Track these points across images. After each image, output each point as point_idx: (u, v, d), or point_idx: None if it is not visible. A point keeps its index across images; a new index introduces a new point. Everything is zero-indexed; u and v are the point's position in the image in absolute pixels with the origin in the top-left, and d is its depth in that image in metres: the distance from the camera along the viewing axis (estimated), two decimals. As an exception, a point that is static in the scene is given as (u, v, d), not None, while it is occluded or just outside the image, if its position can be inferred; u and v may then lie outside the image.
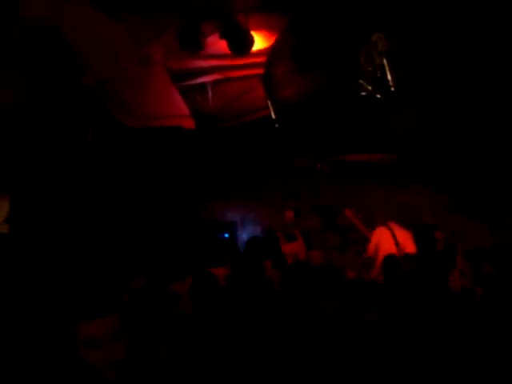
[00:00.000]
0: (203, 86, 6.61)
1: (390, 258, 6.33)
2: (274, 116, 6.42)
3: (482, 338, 3.73)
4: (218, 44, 5.50)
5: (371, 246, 7.79)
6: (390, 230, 7.79)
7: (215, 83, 6.56)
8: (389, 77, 5.01)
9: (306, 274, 3.19)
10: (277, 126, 6.53)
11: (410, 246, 7.77)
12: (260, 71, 6.24)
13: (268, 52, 5.91)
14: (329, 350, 2.77)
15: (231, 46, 5.38)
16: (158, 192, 8.71)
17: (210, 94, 6.65)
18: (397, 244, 7.61)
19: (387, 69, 4.99)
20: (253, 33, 5.36)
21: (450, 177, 9.33)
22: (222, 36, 5.33)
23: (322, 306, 2.93)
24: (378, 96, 5.20)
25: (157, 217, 8.61)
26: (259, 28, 5.49)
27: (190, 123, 7.04)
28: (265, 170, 10.06)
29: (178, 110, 6.85)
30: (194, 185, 9.47)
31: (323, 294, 3.01)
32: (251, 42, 5.37)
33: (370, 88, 5.21)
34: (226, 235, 10.40)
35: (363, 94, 5.27)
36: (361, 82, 5.24)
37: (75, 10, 4.55)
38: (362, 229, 8.36)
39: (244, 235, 10.35)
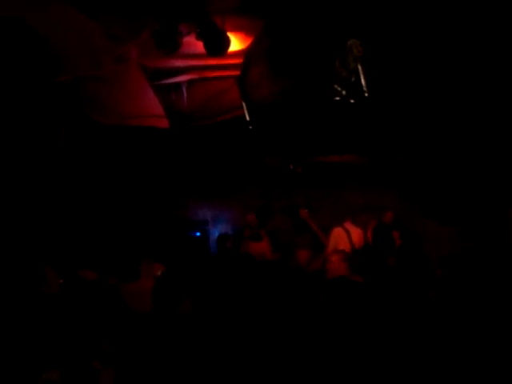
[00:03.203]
0: (178, 85, 6.61)
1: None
2: (248, 117, 6.45)
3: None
4: (195, 44, 5.49)
5: (329, 246, 7.95)
6: (345, 230, 8.00)
7: (191, 83, 6.56)
8: (363, 82, 5.08)
9: (271, 272, 3.24)
10: (250, 127, 6.56)
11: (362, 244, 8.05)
12: (236, 72, 6.26)
13: (244, 54, 5.94)
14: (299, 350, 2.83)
15: (207, 46, 5.38)
16: (131, 190, 8.69)
17: (185, 93, 6.65)
18: (351, 243, 7.83)
19: (361, 74, 5.06)
20: (229, 34, 5.37)
21: (420, 181, 9.49)
22: (199, 37, 5.33)
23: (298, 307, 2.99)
24: (352, 101, 5.27)
25: (129, 214, 8.59)
26: (236, 30, 5.51)
27: (164, 123, 7.05)
28: (241, 169, 10.07)
29: (153, 110, 6.84)
30: (167, 183, 9.47)
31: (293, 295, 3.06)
32: (227, 43, 5.38)
33: (344, 93, 5.28)
34: (198, 233, 10.39)
35: (337, 98, 5.34)
36: (335, 86, 5.30)
37: (53, 9, 4.53)
38: (316, 230, 8.51)
39: (215, 233, 10.33)
